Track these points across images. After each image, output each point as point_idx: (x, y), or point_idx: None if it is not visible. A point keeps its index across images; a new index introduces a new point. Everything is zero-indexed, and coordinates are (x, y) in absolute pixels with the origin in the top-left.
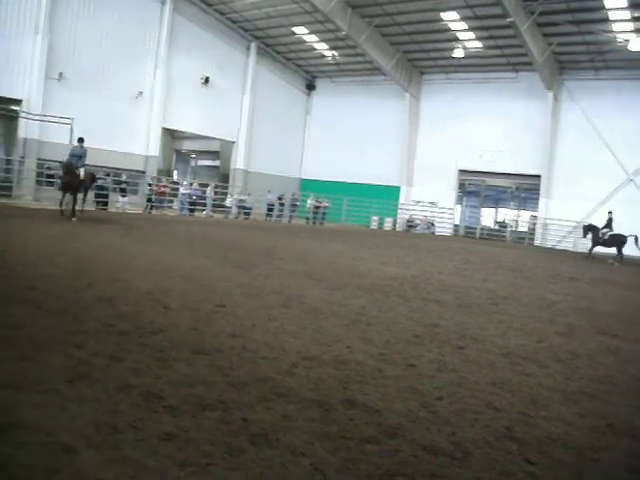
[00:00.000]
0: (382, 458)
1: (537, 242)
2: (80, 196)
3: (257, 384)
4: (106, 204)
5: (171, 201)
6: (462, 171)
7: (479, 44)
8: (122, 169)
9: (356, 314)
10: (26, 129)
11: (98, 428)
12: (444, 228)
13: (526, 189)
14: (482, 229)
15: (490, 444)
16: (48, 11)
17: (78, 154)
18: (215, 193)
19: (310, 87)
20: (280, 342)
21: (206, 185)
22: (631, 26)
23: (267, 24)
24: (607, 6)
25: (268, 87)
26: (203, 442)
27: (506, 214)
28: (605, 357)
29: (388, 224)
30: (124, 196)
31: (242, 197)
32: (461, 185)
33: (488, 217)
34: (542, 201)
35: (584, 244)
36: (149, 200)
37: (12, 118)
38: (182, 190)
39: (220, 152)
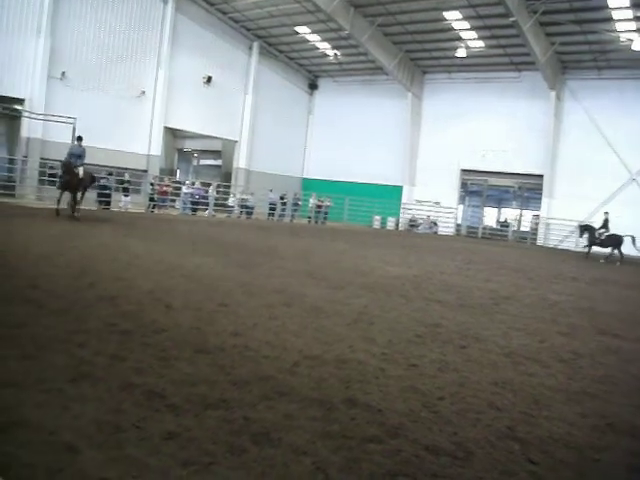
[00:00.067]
0: (384, 458)
1: (539, 242)
2: (79, 195)
3: (259, 383)
4: (108, 203)
5: (173, 200)
6: (464, 171)
7: (482, 43)
8: (124, 168)
9: (358, 313)
10: (29, 128)
11: (100, 427)
12: (446, 228)
13: (529, 189)
14: (484, 229)
15: (492, 444)
16: (51, 11)
17: (77, 153)
18: (217, 192)
19: (312, 86)
20: (282, 341)
21: (208, 184)
22: (634, 25)
23: (269, 23)
24: (610, 5)
25: (270, 86)
26: (205, 441)
27: (508, 214)
28: (606, 357)
29: (390, 224)
30: (126, 195)
31: (244, 196)
32: (463, 185)
33: (490, 217)
34: (545, 201)
35: (586, 244)
36: (151, 199)
37: (15, 117)
38: (184, 189)
39: (222, 151)
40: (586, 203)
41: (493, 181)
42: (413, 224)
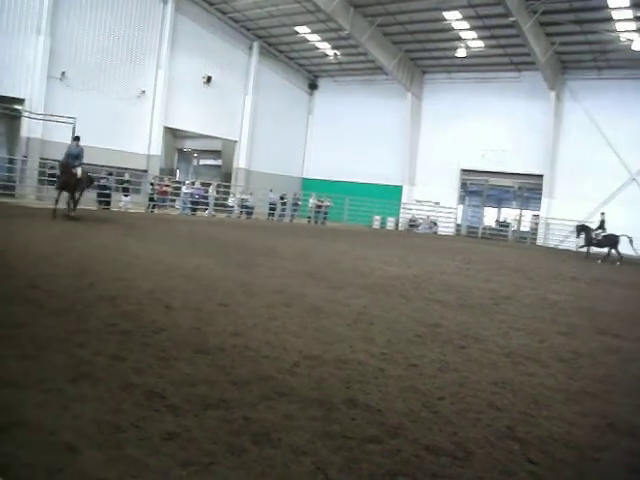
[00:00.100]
0: (384, 458)
1: (539, 242)
2: (76, 195)
3: (259, 383)
4: (108, 203)
5: (173, 200)
6: (464, 171)
7: (481, 43)
8: (124, 168)
9: (358, 313)
10: (29, 128)
11: (100, 427)
12: (446, 228)
13: (529, 189)
14: (484, 229)
15: (492, 444)
16: (50, 11)
17: (75, 153)
18: (217, 192)
19: (312, 86)
20: (282, 341)
21: (208, 184)
22: (634, 25)
23: (269, 23)
24: (610, 5)
25: (270, 86)
26: (205, 441)
27: (508, 214)
28: (606, 357)
29: (390, 224)
30: (126, 195)
31: (244, 196)
32: (463, 185)
33: (490, 217)
34: (544, 201)
35: (582, 244)
36: (151, 199)
37: (15, 117)
38: (184, 189)
39: (222, 151)
40: (586, 203)
41: (493, 181)
42: (413, 224)
